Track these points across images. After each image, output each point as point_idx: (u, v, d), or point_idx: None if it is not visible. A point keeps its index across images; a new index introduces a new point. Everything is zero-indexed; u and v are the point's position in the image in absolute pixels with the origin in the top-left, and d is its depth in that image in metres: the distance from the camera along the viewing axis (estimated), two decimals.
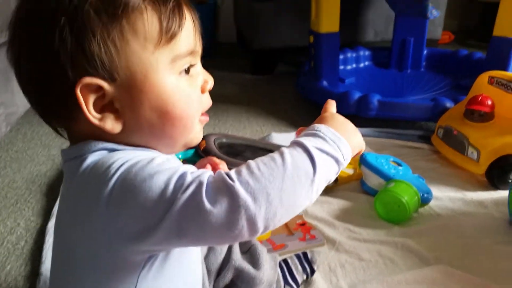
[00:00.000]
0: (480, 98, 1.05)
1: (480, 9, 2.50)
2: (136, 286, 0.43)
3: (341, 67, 1.72)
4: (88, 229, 0.41)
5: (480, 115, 1.05)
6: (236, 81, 1.91)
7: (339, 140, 0.45)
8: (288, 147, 0.42)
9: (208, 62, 0.51)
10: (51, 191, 1.03)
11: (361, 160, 1.00)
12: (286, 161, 0.39)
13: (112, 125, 0.42)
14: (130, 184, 0.38)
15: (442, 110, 1.23)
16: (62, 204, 0.48)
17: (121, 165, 0.39)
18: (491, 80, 1.11)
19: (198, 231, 0.38)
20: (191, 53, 0.44)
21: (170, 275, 0.45)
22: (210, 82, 0.48)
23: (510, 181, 0.99)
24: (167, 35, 0.41)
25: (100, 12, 0.39)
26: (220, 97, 1.63)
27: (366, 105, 1.29)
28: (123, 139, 0.43)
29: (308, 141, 0.42)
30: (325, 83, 1.46)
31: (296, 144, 0.42)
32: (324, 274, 0.74)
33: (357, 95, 1.32)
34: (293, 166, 0.39)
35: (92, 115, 0.41)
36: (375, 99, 1.29)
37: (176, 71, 0.43)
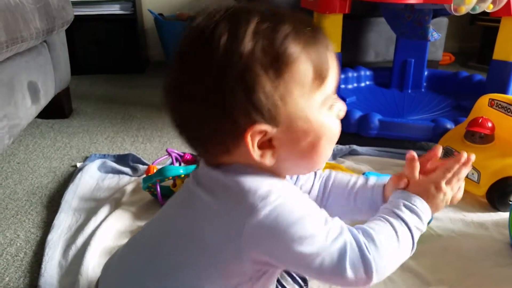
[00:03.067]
0: (480, 120, 1.06)
1: (480, 32, 2.54)
2: None
3: (342, 86, 1.74)
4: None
5: (480, 137, 1.06)
6: None
7: (430, 217, 0.56)
8: (395, 219, 0.52)
9: None
10: (52, 203, 1.03)
11: None
12: (400, 240, 0.51)
13: (269, 160, 0.47)
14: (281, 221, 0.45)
15: (443, 131, 1.24)
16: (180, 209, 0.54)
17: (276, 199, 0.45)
18: (492, 103, 1.12)
19: (325, 279, 0.52)
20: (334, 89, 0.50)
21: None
22: (343, 109, 0.52)
23: (510, 203, 0.99)
24: (320, 80, 0.46)
25: (267, 68, 0.43)
26: None
27: (367, 125, 1.30)
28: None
29: (410, 219, 0.53)
30: None
31: (401, 220, 0.52)
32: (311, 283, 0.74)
33: (358, 114, 1.33)
34: (403, 244, 0.51)
35: (256, 154, 0.46)
36: (376, 118, 1.30)
37: (326, 108, 0.48)
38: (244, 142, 0.45)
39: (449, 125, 1.26)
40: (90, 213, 0.96)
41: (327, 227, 0.47)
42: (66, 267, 0.79)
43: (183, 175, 0.99)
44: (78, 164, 1.21)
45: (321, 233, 0.46)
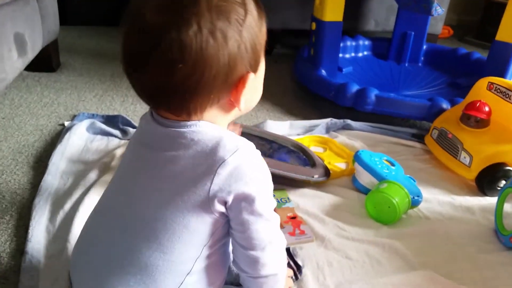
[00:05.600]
0: (478, 104, 1.05)
1: (482, 6, 2.48)
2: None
3: (340, 55, 1.70)
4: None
5: (476, 121, 1.06)
6: None
7: None
8: None
9: None
10: (39, 164, 1.00)
11: (355, 157, 1.00)
12: None
13: (242, 105, 0.52)
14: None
15: (438, 111, 1.23)
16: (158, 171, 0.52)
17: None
18: (490, 86, 1.11)
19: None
20: None
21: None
22: None
23: (498, 188, 1.01)
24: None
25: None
26: None
27: (364, 99, 1.28)
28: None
29: None
30: (324, 72, 1.44)
31: None
32: (312, 272, 0.75)
33: (355, 88, 1.31)
34: None
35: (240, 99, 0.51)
36: (373, 93, 1.28)
37: None
38: (236, 90, 0.50)
39: (445, 105, 1.25)
40: (78, 177, 0.95)
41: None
42: (53, 233, 0.78)
43: None
44: (66, 123, 1.18)
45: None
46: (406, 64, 1.81)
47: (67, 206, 0.84)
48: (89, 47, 1.87)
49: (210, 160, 0.49)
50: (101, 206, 0.58)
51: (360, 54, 1.85)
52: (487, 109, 1.05)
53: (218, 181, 0.48)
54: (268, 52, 1.97)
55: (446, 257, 0.81)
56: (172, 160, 0.50)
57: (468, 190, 1.04)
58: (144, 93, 0.50)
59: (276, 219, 0.54)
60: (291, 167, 0.96)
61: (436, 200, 0.98)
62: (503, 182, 1.00)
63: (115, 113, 1.28)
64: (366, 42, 1.87)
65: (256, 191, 0.50)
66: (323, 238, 0.83)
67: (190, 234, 0.50)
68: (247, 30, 0.48)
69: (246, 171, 0.50)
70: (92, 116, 1.22)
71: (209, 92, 0.48)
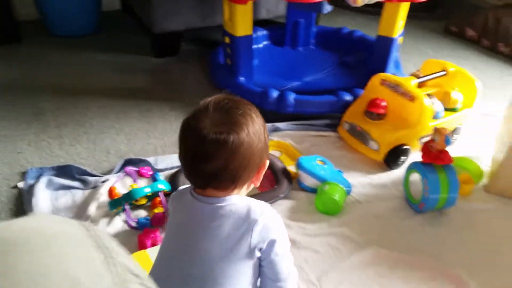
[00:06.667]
0: (377, 102, 1.34)
1: None
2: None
3: None
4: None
5: (377, 115, 1.35)
6: (141, 67, 1.93)
7: None
8: None
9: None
10: None
11: (298, 165, 1.23)
12: None
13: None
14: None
15: (344, 103, 1.50)
16: (210, 238, 0.69)
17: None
18: (383, 82, 1.40)
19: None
20: None
21: None
22: None
23: (399, 162, 1.33)
24: None
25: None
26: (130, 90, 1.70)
27: (284, 103, 1.50)
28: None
29: None
30: (243, 79, 1.61)
31: None
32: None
33: (275, 94, 1.51)
34: None
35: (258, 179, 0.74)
36: (291, 97, 1.50)
37: None
38: (258, 172, 0.72)
39: (348, 97, 1.53)
40: None
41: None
42: None
43: (149, 194, 1.09)
44: (20, 185, 1.19)
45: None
46: (300, 49, 2.06)
47: None
48: None
49: (247, 223, 0.68)
50: (161, 271, 0.73)
51: (260, 45, 2.04)
52: (384, 104, 1.35)
53: (255, 236, 0.68)
54: (175, 52, 2.06)
55: (381, 231, 1.11)
56: (218, 228, 0.69)
57: (379, 168, 1.35)
58: (202, 178, 0.69)
59: (291, 256, 0.75)
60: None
61: (359, 183, 1.27)
62: (403, 157, 1.32)
63: (58, 159, 1.32)
64: (264, 33, 2.06)
65: (279, 238, 0.71)
66: (294, 241, 1.06)
67: (242, 276, 0.70)
68: (265, 131, 0.71)
69: (271, 225, 0.70)
70: (41, 170, 1.24)
71: (250, 174, 0.70)
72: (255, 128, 0.68)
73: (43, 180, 1.18)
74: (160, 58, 2.01)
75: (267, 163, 0.73)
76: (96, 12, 2.22)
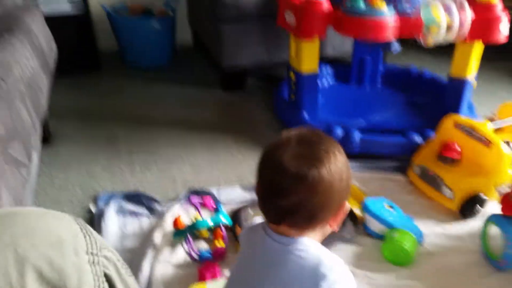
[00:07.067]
0: (452, 146, 1.28)
1: None
2: None
3: None
4: None
5: (451, 160, 1.28)
6: (209, 100, 1.99)
7: None
8: None
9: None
10: None
11: (364, 208, 1.18)
12: None
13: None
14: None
15: (413, 145, 1.45)
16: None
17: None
18: (456, 125, 1.33)
19: None
20: None
21: None
22: None
23: (475, 212, 1.24)
24: None
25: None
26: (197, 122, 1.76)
27: (350, 143, 1.46)
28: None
29: None
30: (306, 116, 1.61)
31: None
32: None
33: (339, 131, 1.49)
34: None
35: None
36: (357, 137, 1.47)
37: None
38: (336, 215, 0.68)
39: (417, 138, 1.47)
40: (132, 268, 1.04)
41: None
42: None
43: (212, 227, 1.10)
44: (92, 208, 1.25)
45: None
46: (367, 87, 2.02)
47: None
48: (69, 105, 1.89)
49: (314, 275, 0.63)
50: None
51: (325, 83, 2.04)
52: (458, 149, 1.28)
53: None
54: (241, 87, 2.11)
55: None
56: (283, 271, 0.65)
57: (452, 216, 1.26)
58: (277, 213, 0.66)
59: None
60: None
61: (432, 233, 1.19)
62: (479, 207, 1.23)
63: (129, 185, 1.37)
64: (329, 70, 2.06)
65: None
66: None
67: None
68: (348, 170, 0.67)
69: (342, 283, 0.64)
70: (112, 195, 1.29)
71: (328, 215, 0.67)
72: (337, 166, 0.64)
73: (114, 205, 1.23)
74: (227, 92, 2.06)
75: (348, 206, 0.70)
76: (170, 47, 2.35)
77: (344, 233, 1.13)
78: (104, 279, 0.45)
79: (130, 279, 0.51)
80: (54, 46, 1.35)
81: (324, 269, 0.64)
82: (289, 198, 0.63)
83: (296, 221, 0.66)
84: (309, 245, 0.67)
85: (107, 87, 2.09)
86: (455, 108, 1.58)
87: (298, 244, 0.66)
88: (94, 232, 0.48)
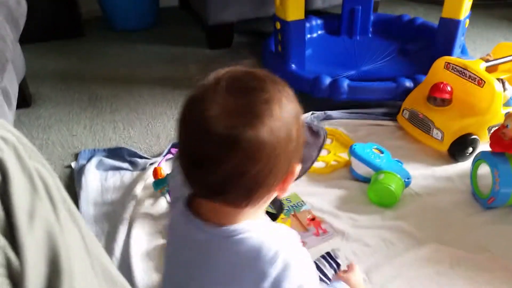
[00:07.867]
0: (441, 86, 1.22)
1: None
2: None
3: None
4: None
5: (442, 101, 1.23)
6: (195, 58, 1.93)
7: None
8: None
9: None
10: None
11: (350, 152, 1.14)
12: None
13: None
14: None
15: (404, 90, 1.39)
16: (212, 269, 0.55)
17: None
18: (447, 66, 1.28)
19: None
20: None
21: None
22: None
23: (467, 154, 1.20)
24: None
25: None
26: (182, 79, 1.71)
27: (337, 90, 1.41)
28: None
29: None
30: (294, 67, 1.55)
31: None
32: (344, 265, 0.90)
33: (328, 80, 1.44)
34: None
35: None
36: (345, 83, 1.41)
37: None
38: (285, 180, 0.53)
39: (408, 83, 1.41)
40: (112, 220, 1.02)
41: None
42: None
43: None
44: (73, 164, 1.22)
45: None
46: (358, 37, 1.95)
47: (117, 252, 0.93)
48: (51, 69, 1.83)
49: (259, 264, 0.51)
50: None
51: (314, 35, 1.97)
52: (449, 88, 1.22)
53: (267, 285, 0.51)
54: (228, 44, 2.04)
55: (443, 227, 1.00)
56: (219, 269, 0.54)
57: (443, 159, 1.23)
58: (206, 188, 0.51)
59: None
60: None
61: (420, 175, 1.16)
62: (471, 148, 1.19)
63: (112, 142, 1.34)
64: (319, 22, 1.99)
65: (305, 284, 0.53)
66: (342, 232, 0.98)
67: None
68: (300, 122, 0.51)
69: (295, 266, 0.52)
70: (94, 151, 1.26)
71: (273, 184, 0.51)
72: (283, 121, 0.48)
73: (94, 161, 1.20)
74: (214, 49, 2.00)
75: (298, 168, 0.53)
76: (154, 8, 2.26)
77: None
78: None
79: (38, 166, 0.38)
80: (23, 2, 1.29)
81: (270, 253, 0.51)
82: (218, 171, 0.47)
83: (231, 199, 0.51)
84: (250, 227, 0.53)
85: (90, 51, 2.03)
86: (447, 51, 1.51)
87: (235, 231, 0.52)
88: None
